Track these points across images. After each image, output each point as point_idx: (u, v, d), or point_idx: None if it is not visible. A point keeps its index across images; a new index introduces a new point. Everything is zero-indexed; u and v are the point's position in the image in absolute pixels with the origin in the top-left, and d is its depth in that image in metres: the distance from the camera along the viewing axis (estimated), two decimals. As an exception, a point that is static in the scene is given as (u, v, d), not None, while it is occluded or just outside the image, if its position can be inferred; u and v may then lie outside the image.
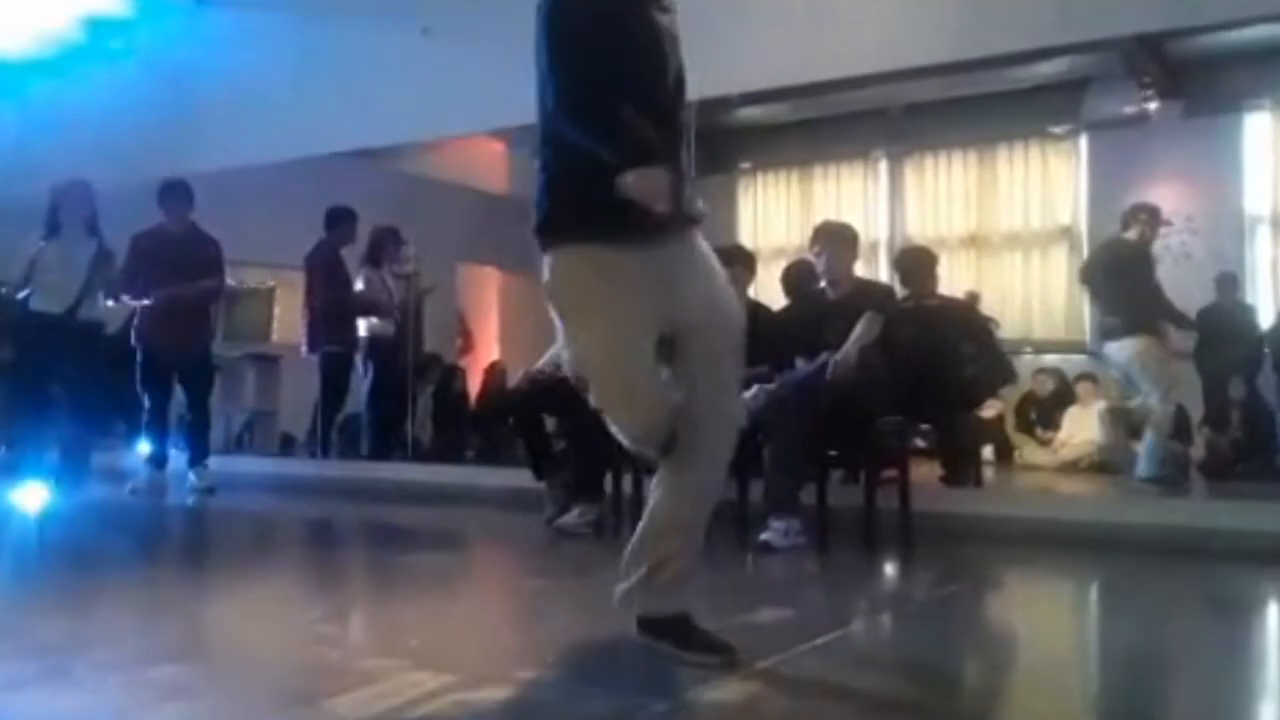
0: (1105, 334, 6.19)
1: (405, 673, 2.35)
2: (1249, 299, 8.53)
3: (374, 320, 7.47)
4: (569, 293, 2.42)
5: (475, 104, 6.68)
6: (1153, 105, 9.16)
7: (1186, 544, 4.43)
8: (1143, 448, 6.15)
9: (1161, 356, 6.03)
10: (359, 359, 7.48)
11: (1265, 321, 8.38)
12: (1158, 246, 6.41)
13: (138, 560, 4.43)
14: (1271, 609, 3.94)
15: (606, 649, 2.58)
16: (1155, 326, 5.99)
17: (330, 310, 7.31)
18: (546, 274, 2.43)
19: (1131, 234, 6.13)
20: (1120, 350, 6.07)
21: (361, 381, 7.53)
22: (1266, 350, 8.03)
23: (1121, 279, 6.08)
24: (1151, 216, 6.19)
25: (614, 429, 2.48)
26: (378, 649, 2.60)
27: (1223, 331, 7.79)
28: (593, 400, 2.48)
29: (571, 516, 4.82)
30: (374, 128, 7.13)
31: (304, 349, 7.54)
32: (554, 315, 2.47)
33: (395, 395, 7.66)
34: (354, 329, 7.45)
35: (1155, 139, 9.17)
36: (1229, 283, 8.19)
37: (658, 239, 2.38)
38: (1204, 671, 2.70)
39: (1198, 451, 7.25)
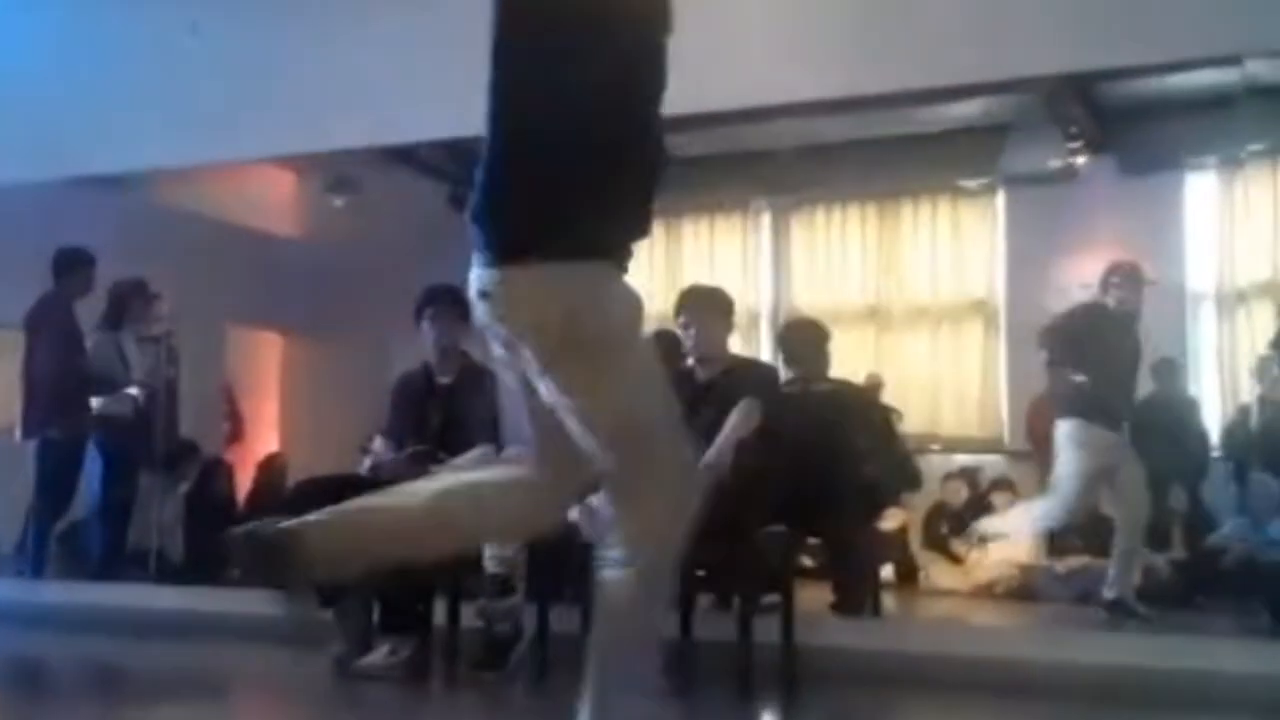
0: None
1: None
2: (1191, 389, 9.00)
3: (106, 398, 7.29)
4: (611, 316, 2.54)
5: (257, 123, 6.65)
6: (1081, 159, 9.64)
7: (1116, 685, 4.62)
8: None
9: (1082, 450, 6.31)
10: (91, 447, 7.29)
11: (1210, 416, 8.83)
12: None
13: None
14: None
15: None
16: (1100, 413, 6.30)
17: (57, 384, 7.13)
18: (567, 289, 2.50)
19: (1109, 299, 6.43)
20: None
21: (91, 477, 7.34)
22: (1218, 453, 8.45)
23: (1081, 349, 6.39)
24: (1126, 278, 6.44)
25: (657, 491, 2.55)
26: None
27: (1162, 429, 8.19)
28: (629, 457, 2.54)
29: (378, 655, 4.74)
30: (118, 149, 6.99)
31: (18, 433, 7.29)
32: (562, 353, 2.51)
33: (129, 494, 7.49)
34: (86, 409, 7.26)
35: (1084, 198, 9.63)
36: (1169, 370, 8.59)
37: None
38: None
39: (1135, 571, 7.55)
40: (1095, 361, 6.32)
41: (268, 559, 2.47)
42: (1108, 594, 6.29)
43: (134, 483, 7.56)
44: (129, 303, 7.52)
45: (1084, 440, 6.33)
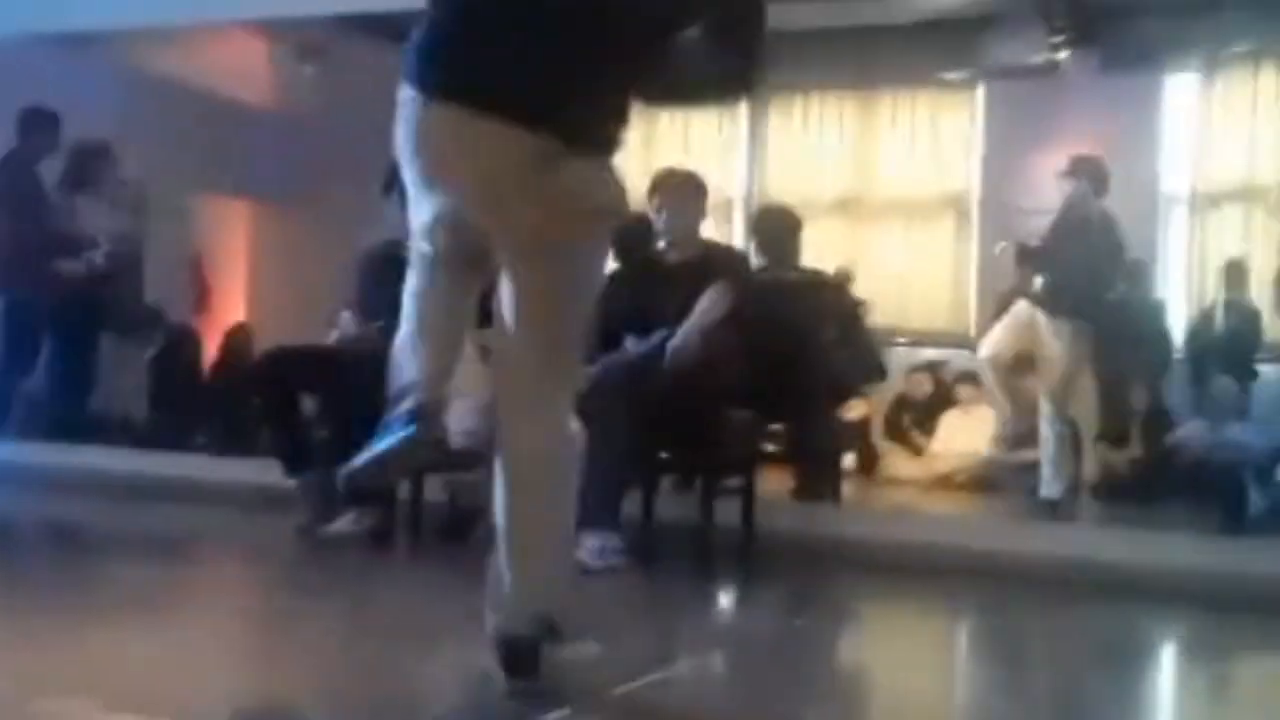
0: None
1: (99, 715, 2.28)
2: (1159, 291, 9.05)
3: (62, 259, 7.26)
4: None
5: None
6: (1063, 55, 9.57)
7: (1067, 576, 4.70)
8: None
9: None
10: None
11: (1176, 317, 8.88)
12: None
13: None
14: (1164, 655, 4.22)
15: (364, 682, 2.56)
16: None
17: (19, 244, 7.08)
18: (613, 188, 2.61)
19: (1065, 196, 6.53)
20: None
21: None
22: (1181, 355, 8.51)
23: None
24: (1068, 175, 6.55)
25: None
26: (62, 685, 2.51)
27: (1128, 329, 8.23)
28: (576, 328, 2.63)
29: (344, 522, 4.77)
30: (91, 5, 6.88)
31: (-20, 294, 7.25)
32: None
33: (86, 357, 7.47)
34: (49, 270, 7.20)
35: (1065, 94, 9.60)
36: (1139, 272, 8.61)
37: None
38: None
39: (1091, 468, 7.64)
40: (1051, 260, 6.54)
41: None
42: (1042, 492, 6.41)
43: (92, 345, 7.51)
44: (90, 164, 7.40)
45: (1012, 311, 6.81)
